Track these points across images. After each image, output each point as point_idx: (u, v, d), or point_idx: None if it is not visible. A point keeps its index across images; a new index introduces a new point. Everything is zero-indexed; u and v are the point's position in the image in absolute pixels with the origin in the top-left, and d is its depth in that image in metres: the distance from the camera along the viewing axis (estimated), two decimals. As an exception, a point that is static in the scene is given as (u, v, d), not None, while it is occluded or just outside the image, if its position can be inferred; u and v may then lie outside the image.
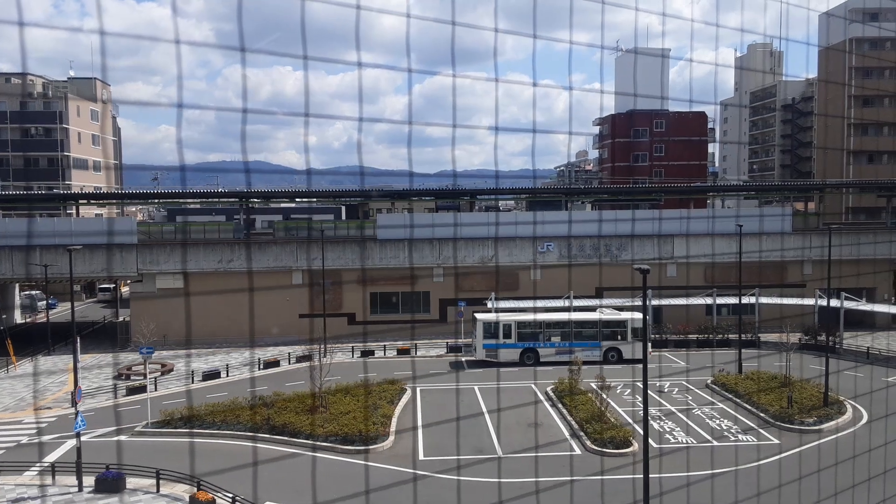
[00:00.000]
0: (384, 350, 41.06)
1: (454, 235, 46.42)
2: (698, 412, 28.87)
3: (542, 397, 31.26)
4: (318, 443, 25.11)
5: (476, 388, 32.93)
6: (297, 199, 59.61)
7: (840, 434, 25.99)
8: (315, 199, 59.84)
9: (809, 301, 42.73)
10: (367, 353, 40.54)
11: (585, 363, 32.12)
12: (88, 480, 21.70)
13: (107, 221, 54.29)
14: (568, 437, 26.10)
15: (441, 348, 41.92)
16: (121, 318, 51.14)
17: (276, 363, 38.24)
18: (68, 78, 77.55)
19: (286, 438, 25.63)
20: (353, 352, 40.78)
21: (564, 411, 28.44)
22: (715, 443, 25.20)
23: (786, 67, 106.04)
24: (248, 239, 47.60)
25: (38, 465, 23.63)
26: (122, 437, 26.63)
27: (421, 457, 24.24)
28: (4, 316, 51.01)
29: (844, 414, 27.75)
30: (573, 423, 26.96)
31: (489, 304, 41.80)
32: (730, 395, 30.71)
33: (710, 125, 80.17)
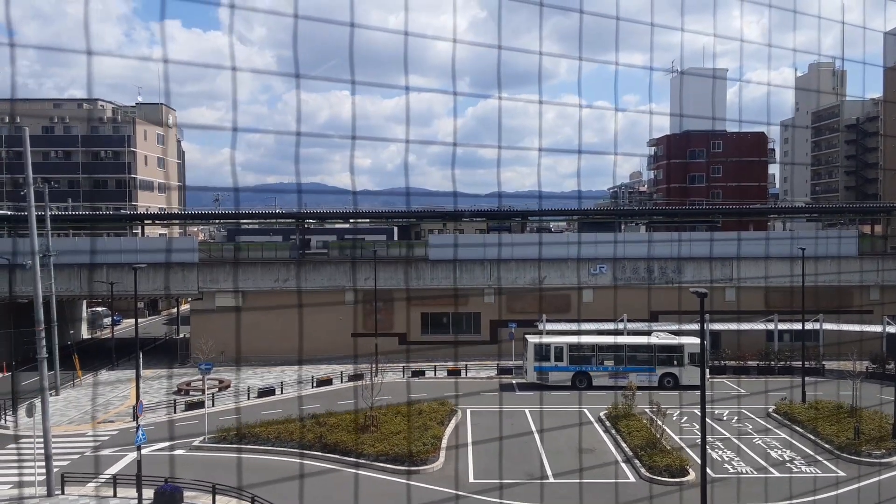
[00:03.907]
0: (434, 370, 41.10)
1: (505, 256, 46.34)
2: (758, 441, 27.88)
3: (594, 422, 30.72)
4: (369, 462, 25.23)
5: (527, 410, 32.60)
6: (351, 220, 60.57)
7: (912, 469, 24.68)
8: (368, 220, 60.69)
9: (877, 328, 40.95)
10: (417, 374, 40.65)
11: (640, 388, 31.48)
12: (148, 493, 22.30)
13: (169, 241, 56.24)
14: (621, 463, 25.54)
15: (491, 370, 41.69)
16: (181, 335, 52.67)
17: (328, 381, 38.70)
18: (136, 103, 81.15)
19: (337, 457, 25.84)
20: (403, 372, 40.94)
21: (618, 437, 27.86)
22: (776, 473, 24.28)
23: (849, 86, 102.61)
24: (303, 259, 48.54)
25: (100, 476, 24.44)
26: (181, 452, 27.33)
27: (471, 479, 24.08)
28: (72, 331, 53.18)
29: (917, 447, 26.35)
30: (627, 449, 26.38)
31: (540, 327, 41.45)
32: (793, 425, 29.56)
33: (770, 145, 78.19)
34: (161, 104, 79.81)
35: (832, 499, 21.67)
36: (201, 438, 28.04)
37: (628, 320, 41.64)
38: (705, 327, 18.23)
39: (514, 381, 39.10)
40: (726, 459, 25.75)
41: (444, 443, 27.26)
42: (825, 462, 25.40)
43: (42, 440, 23.36)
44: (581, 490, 22.68)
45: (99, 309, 61.03)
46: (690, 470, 23.85)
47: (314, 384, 38.38)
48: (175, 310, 60.77)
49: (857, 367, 31.41)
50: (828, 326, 41.53)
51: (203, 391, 32.61)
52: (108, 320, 57.57)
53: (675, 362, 37.24)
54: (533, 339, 38.23)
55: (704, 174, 73.00)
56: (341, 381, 38.86)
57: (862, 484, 22.99)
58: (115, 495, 22.76)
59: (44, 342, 25.66)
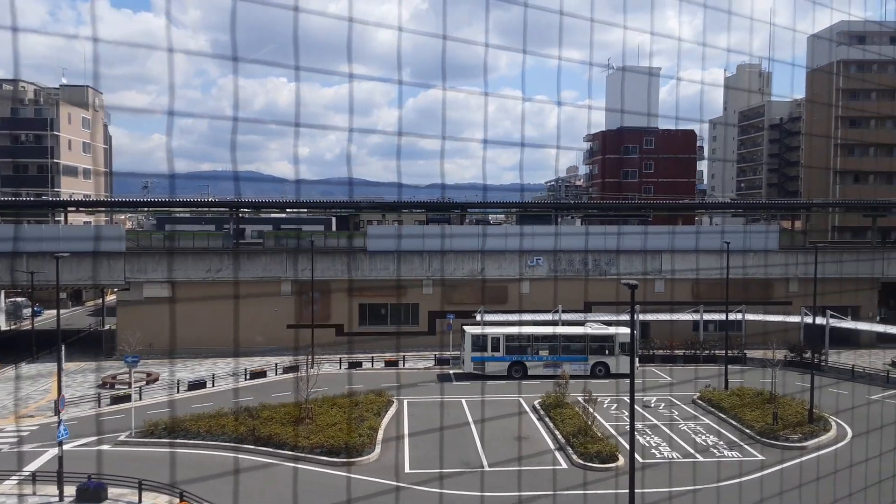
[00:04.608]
0: (372, 362, 40.95)
1: (444, 248, 46.50)
2: (684, 427, 28.94)
3: (529, 411, 31.25)
4: (304, 454, 24.96)
5: (463, 401, 32.89)
6: (288, 210, 59.57)
7: (825, 451, 26.12)
8: (305, 210, 59.82)
9: (795, 318, 43.05)
10: (354, 365, 40.41)
11: (573, 377, 32.23)
12: (70, 490, 21.47)
13: (95, 229, 54.04)
14: (554, 450, 26.08)
15: (429, 361, 41.84)
16: (107, 327, 50.76)
17: (262, 374, 38.03)
18: (60, 85, 77.40)
19: (271, 450, 25.45)
20: (340, 363, 40.62)
21: (551, 425, 28.43)
22: (700, 458, 25.27)
23: (774, 88, 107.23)
24: (237, 249, 47.45)
25: (18, 474, 23.34)
26: (105, 447, 26.37)
27: (406, 469, 24.14)
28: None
29: (829, 431, 27.90)
30: (559, 436, 26.96)
31: (478, 317, 41.82)
32: (715, 411, 30.81)
33: (699, 143, 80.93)
34: (87, 86, 76.44)
35: (751, 482, 22.71)
36: (128, 433, 27.13)
37: (563, 311, 42.47)
38: (635, 318, 18.79)
39: (451, 372, 39.35)
40: (654, 445, 26.64)
41: (380, 434, 27.22)
42: (746, 446, 26.59)
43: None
44: (514, 478, 23.05)
45: (18, 299, 58.15)
46: (620, 456, 24.57)
47: (247, 377, 37.65)
48: (101, 301, 58.46)
49: (777, 355, 32.98)
50: (750, 317, 43.40)
51: (130, 384, 31.49)
52: (27, 311, 54.92)
53: (607, 351, 38.25)
54: (470, 329, 38.54)
55: (637, 170, 75.00)
56: (276, 374, 38.26)
57: (780, 467, 24.18)
58: (34, 493, 21.80)
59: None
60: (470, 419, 29.84)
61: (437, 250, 46.47)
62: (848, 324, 42.66)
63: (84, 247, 43.06)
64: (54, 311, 33.44)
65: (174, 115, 5.86)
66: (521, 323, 40.81)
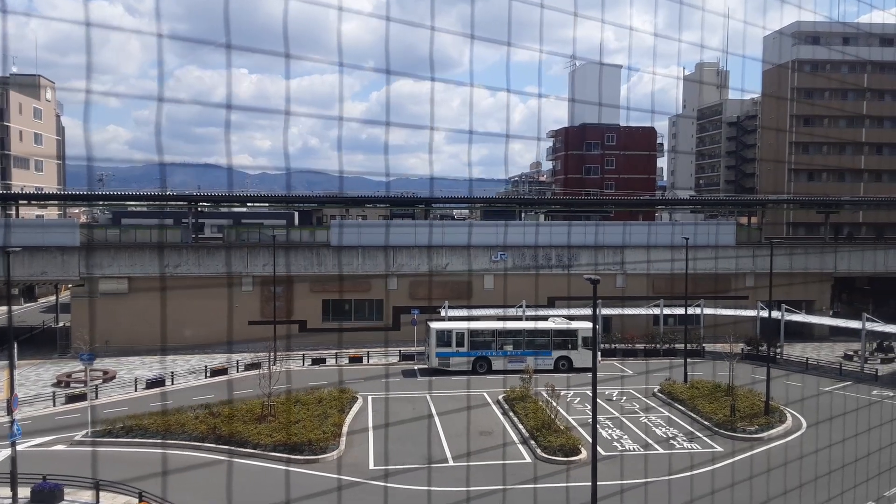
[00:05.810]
0: (336, 358, 40.66)
1: (409, 243, 46.36)
2: (645, 420, 29.43)
3: (493, 405, 31.41)
4: (267, 452, 24.67)
5: (428, 396, 32.89)
6: (249, 204, 58.69)
7: (780, 442, 26.84)
8: (267, 204, 59.05)
9: (751, 312, 44.09)
10: (318, 361, 40.07)
11: (537, 371, 32.46)
12: (24, 492, 20.83)
13: (47, 222, 52.43)
14: (518, 444, 26.27)
15: (394, 356, 41.72)
16: (61, 323, 49.36)
17: (223, 371, 37.44)
18: (10, 74, 74.85)
19: (233, 448, 25.08)
20: (303, 360, 40.24)
21: (515, 419, 28.62)
22: (661, 450, 25.72)
23: (731, 86, 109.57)
24: (196, 243, 46.56)
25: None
26: (61, 447, 25.68)
27: (371, 465, 24.05)
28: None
29: (785, 422, 28.67)
30: (524, 430, 27.15)
31: (442, 313, 41.83)
32: (676, 404, 31.40)
33: (658, 140, 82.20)
34: (38, 75, 74.13)
35: (710, 473, 23.20)
36: (84, 432, 26.46)
37: (527, 306, 42.75)
38: (597, 312, 19.02)
39: (416, 367, 39.30)
40: (615, 438, 27.02)
41: (344, 430, 27.05)
42: (704, 438, 27.17)
43: None
44: (478, 472, 23.15)
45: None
46: (582, 449, 24.86)
47: (208, 374, 37.03)
48: (54, 296, 56.83)
49: (733, 348, 33.74)
50: (708, 311, 44.31)
51: (85, 382, 30.67)
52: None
53: (570, 346, 38.63)
54: (435, 325, 38.53)
55: (599, 166, 75.84)
56: (237, 371, 37.70)
57: (737, 458, 24.77)
58: (-15, 496, 21.10)
59: None
60: (435, 414, 29.85)
61: (402, 245, 46.32)
62: (802, 317, 43.88)
63: (37, 241, 41.77)
64: (5, 308, 32.37)
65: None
66: (485, 318, 40.98)
